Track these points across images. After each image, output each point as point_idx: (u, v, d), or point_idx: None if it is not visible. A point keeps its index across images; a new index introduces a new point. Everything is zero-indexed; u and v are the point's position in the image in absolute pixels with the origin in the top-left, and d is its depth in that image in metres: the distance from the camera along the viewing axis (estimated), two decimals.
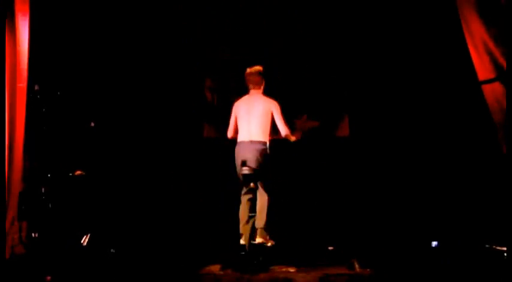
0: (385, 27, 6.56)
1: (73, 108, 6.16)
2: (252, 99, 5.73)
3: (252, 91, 5.77)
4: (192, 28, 6.81)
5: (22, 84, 5.39)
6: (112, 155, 6.42)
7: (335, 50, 6.81)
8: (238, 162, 5.62)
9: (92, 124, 6.13)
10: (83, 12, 6.26)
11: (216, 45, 6.94)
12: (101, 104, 6.46)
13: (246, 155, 5.56)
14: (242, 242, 5.60)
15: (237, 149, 5.66)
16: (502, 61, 5.15)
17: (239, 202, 5.68)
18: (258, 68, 5.74)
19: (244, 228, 5.60)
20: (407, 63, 6.44)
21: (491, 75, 5.25)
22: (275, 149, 5.70)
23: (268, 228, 5.53)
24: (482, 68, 5.33)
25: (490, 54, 5.24)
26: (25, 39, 5.43)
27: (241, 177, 5.60)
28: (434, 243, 5.90)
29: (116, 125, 6.55)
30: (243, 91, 5.88)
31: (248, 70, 5.76)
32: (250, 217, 5.60)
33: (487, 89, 5.30)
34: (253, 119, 5.65)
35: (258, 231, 5.55)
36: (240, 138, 5.67)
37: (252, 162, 5.54)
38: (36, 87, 5.57)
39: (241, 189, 5.66)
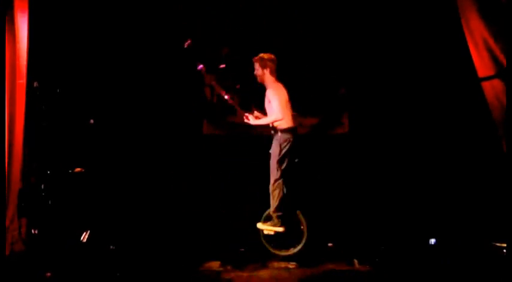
0: (384, 24, 6.55)
1: (72, 105, 6.16)
2: (281, 87, 5.71)
3: (274, 79, 5.70)
4: (192, 28, 6.81)
5: (22, 80, 5.41)
6: (111, 152, 6.42)
7: (334, 47, 6.80)
8: (289, 149, 5.58)
9: (92, 121, 6.13)
10: (83, 8, 6.26)
11: (216, 45, 6.93)
12: (101, 101, 6.45)
13: (295, 143, 5.60)
14: (282, 229, 5.59)
15: (290, 135, 5.59)
16: (502, 58, 5.16)
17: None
18: None
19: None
20: (407, 60, 6.43)
21: (491, 72, 5.27)
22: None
23: None
24: (482, 65, 5.35)
25: (490, 51, 5.26)
26: (24, 36, 5.44)
27: (289, 163, 5.59)
28: (432, 241, 5.90)
29: (115, 122, 6.54)
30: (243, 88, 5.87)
31: (272, 57, 5.68)
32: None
33: (486, 86, 5.32)
34: (289, 107, 5.69)
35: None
36: (290, 124, 5.62)
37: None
38: (35, 84, 5.57)
39: (280, 177, 5.56)
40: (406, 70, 6.47)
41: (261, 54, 5.69)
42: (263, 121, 5.63)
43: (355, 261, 5.44)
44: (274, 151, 5.58)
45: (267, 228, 5.61)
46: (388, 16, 6.53)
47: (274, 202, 5.57)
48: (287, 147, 5.55)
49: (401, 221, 6.24)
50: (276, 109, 5.52)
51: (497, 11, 5.22)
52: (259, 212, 5.80)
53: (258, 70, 5.68)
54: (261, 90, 5.75)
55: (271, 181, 5.59)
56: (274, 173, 5.57)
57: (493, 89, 5.29)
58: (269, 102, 5.60)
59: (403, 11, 6.43)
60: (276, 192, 5.56)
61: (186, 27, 6.74)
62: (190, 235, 6.25)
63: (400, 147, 6.50)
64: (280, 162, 5.55)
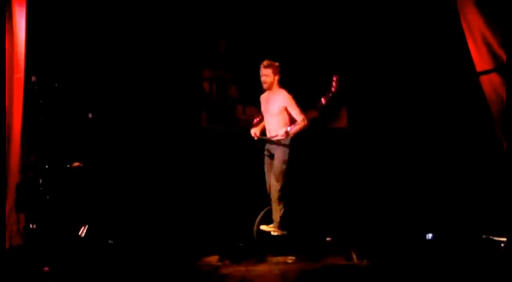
0: (383, 19, 6.54)
1: (70, 100, 6.14)
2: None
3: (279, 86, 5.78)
4: (192, 25, 6.80)
5: (19, 75, 5.39)
6: (110, 146, 6.40)
7: (333, 41, 6.79)
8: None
9: (90, 115, 6.11)
10: (82, 2, 6.23)
11: (216, 45, 6.94)
12: (99, 95, 6.43)
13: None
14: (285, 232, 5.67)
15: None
16: (500, 52, 5.16)
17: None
18: None
19: None
20: (406, 54, 6.43)
21: (489, 67, 5.26)
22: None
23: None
24: (481, 60, 5.35)
25: (488, 45, 5.26)
26: (22, 29, 5.42)
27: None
28: (429, 236, 5.91)
29: (113, 116, 6.53)
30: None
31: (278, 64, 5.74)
32: None
33: (484, 80, 5.31)
34: None
35: None
36: None
37: None
38: (33, 78, 5.55)
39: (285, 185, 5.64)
40: (405, 64, 6.46)
41: (271, 61, 5.70)
42: (297, 128, 5.57)
43: (354, 255, 5.45)
44: (282, 157, 5.57)
45: (273, 230, 5.61)
46: (386, 10, 6.52)
47: (279, 214, 5.58)
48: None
49: (399, 215, 6.24)
50: (300, 113, 5.57)
51: (495, 5, 5.22)
52: (258, 207, 5.82)
53: (269, 76, 5.68)
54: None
55: (277, 187, 5.58)
56: (280, 180, 5.57)
57: (491, 83, 5.29)
58: (284, 108, 5.60)
59: (402, 6, 6.43)
60: (282, 203, 5.57)
61: (186, 25, 6.75)
62: (189, 230, 6.25)
63: (398, 141, 6.51)
64: (287, 169, 5.56)
